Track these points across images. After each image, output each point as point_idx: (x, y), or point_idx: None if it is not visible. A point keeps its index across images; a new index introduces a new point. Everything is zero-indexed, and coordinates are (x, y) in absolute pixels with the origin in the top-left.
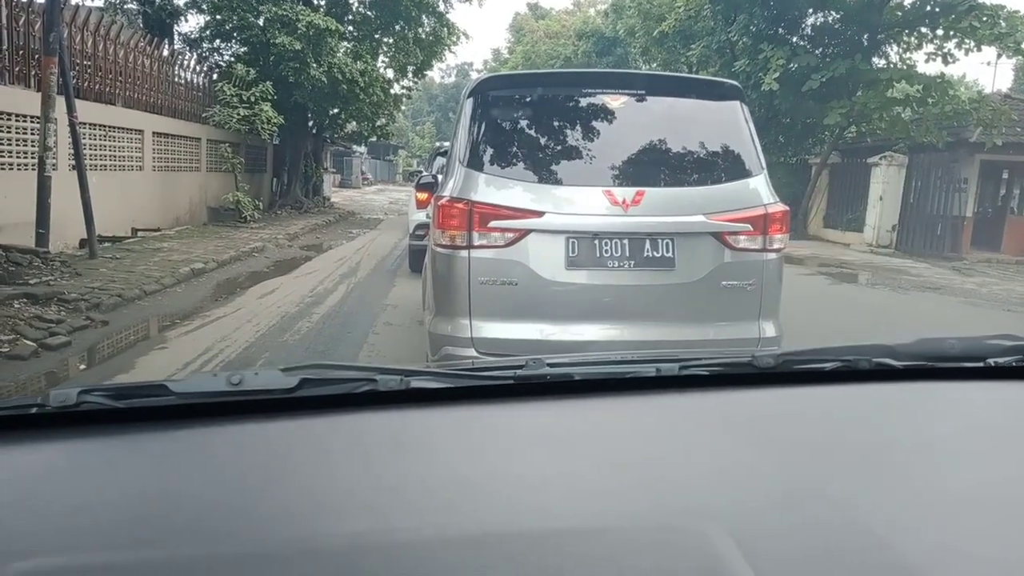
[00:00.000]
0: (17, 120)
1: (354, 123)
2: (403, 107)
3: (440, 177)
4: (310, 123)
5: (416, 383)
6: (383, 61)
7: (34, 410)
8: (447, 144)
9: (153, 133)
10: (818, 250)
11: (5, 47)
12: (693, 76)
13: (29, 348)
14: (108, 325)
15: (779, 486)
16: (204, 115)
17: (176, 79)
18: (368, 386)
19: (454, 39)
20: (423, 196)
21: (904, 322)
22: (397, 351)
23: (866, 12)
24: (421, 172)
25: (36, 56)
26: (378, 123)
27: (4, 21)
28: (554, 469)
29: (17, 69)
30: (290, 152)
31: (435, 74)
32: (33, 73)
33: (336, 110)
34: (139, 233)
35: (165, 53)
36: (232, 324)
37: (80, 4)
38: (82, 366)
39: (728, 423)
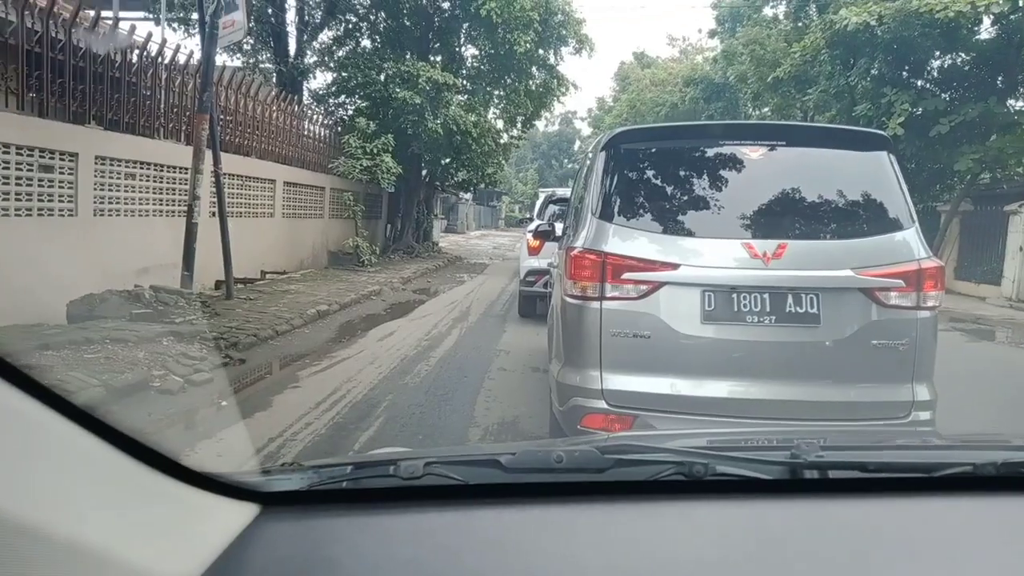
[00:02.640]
0: (168, 171)
1: (464, 171)
2: (510, 155)
3: (556, 225)
4: (423, 172)
5: (721, 468)
6: (494, 112)
7: (390, 481)
8: (559, 191)
9: (284, 183)
10: (949, 303)
11: (162, 107)
12: (836, 126)
13: (177, 383)
14: (245, 363)
15: None
16: (329, 166)
17: (304, 132)
18: (673, 470)
19: (563, 90)
20: (536, 243)
21: None
22: (513, 397)
23: (1002, 52)
24: (532, 219)
25: (187, 113)
26: (487, 171)
27: (163, 83)
28: None
29: (171, 125)
30: (404, 200)
31: (540, 123)
32: (184, 128)
33: (448, 160)
34: (267, 275)
35: (295, 108)
36: (356, 366)
37: (224, 65)
38: (223, 403)
39: None
